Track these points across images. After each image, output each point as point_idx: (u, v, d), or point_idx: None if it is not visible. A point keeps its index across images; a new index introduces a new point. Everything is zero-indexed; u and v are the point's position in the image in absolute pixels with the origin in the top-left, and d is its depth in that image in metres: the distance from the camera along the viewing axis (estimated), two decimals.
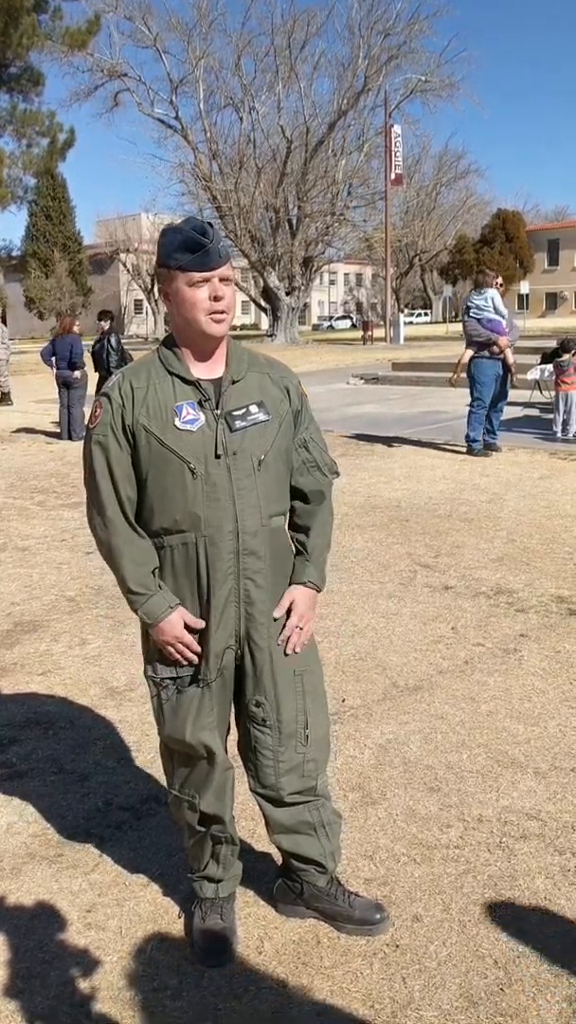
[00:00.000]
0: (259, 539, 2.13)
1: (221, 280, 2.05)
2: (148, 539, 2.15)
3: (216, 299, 2.03)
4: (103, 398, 2.13)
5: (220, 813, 2.26)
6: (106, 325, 12.72)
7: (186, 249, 2.01)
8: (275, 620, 2.22)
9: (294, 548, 2.32)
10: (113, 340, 12.48)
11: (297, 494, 2.28)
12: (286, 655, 2.23)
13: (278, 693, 2.21)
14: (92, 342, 12.97)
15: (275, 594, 2.20)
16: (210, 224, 2.07)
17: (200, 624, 2.13)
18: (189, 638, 2.13)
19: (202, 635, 2.13)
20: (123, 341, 12.95)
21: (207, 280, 2.03)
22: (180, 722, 2.18)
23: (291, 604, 2.24)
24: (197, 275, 2.02)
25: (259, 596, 2.16)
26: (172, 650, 2.14)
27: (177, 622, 2.12)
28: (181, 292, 2.05)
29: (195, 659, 2.15)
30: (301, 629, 2.25)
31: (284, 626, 2.23)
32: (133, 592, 2.12)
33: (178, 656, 2.15)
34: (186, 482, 2.06)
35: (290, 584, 2.27)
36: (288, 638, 2.23)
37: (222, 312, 2.05)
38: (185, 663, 2.16)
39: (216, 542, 2.09)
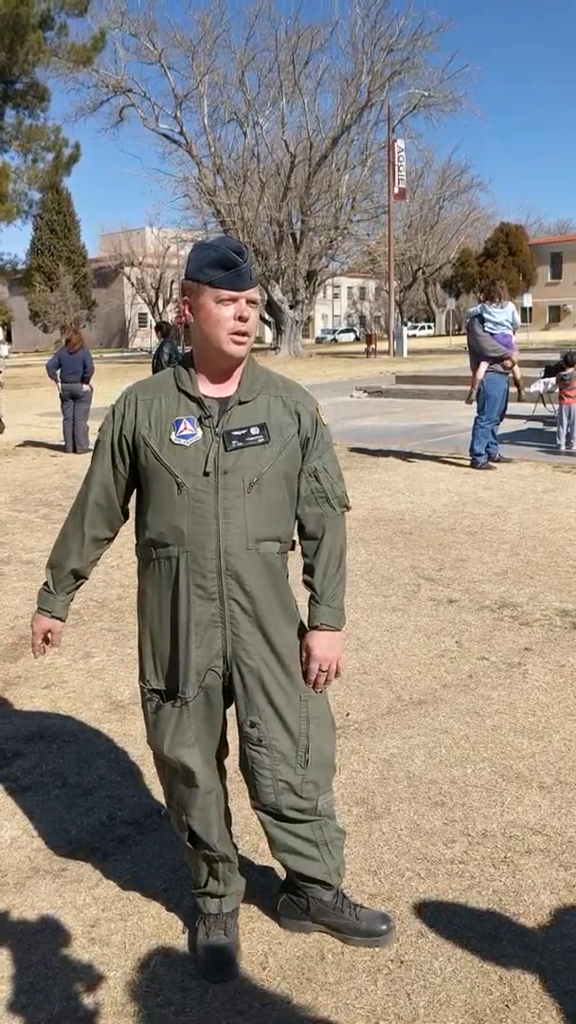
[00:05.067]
0: (243, 562, 2.10)
1: (248, 302, 2.06)
2: (94, 550, 2.28)
3: (241, 319, 2.04)
4: (112, 408, 2.19)
5: (206, 835, 2.25)
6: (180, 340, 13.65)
7: (220, 266, 2.01)
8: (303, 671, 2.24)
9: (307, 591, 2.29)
10: (167, 348, 12.75)
11: (302, 526, 2.24)
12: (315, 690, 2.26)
13: (274, 714, 2.19)
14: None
15: (266, 618, 2.16)
16: (245, 246, 2.09)
17: (54, 649, 2.38)
18: (37, 642, 2.31)
19: (180, 652, 2.13)
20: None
21: (235, 300, 2.04)
22: (160, 735, 2.20)
23: (308, 651, 2.23)
24: (226, 293, 2.02)
25: (244, 618, 2.14)
26: (32, 635, 2.33)
27: (45, 627, 2.30)
28: (206, 308, 2.05)
29: (36, 652, 2.33)
30: (324, 671, 2.24)
31: (307, 672, 2.24)
32: (49, 568, 2.31)
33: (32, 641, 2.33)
34: (173, 496, 2.07)
35: (308, 628, 2.26)
36: (315, 682, 2.25)
37: (244, 334, 2.05)
38: (161, 678, 2.19)
39: (198, 559, 2.08)
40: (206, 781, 2.22)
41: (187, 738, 2.18)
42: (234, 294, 2.03)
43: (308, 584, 2.27)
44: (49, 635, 2.30)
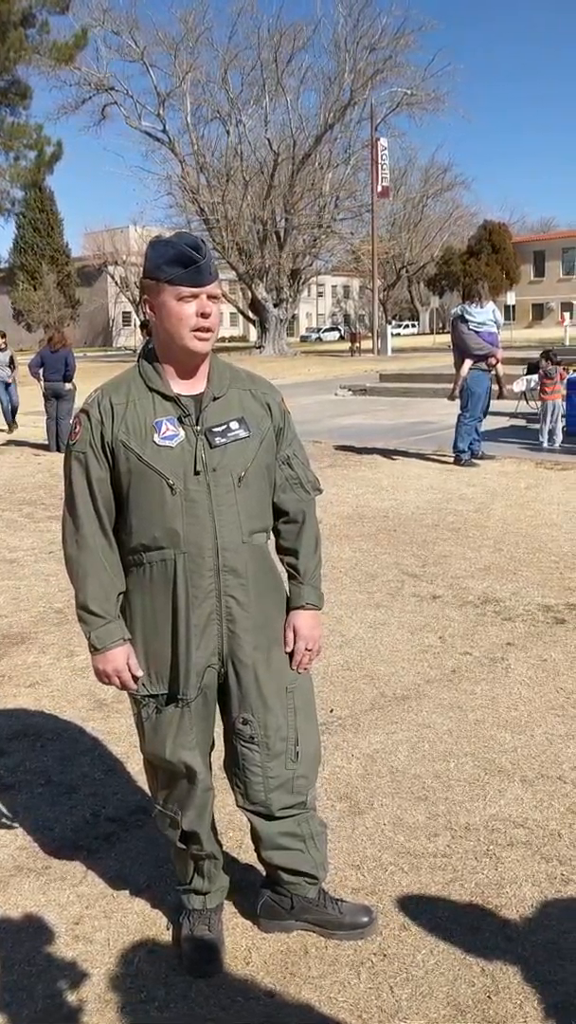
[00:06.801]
0: (240, 556, 2.12)
1: (209, 297, 2.04)
2: (119, 563, 2.14)
3: (203, 316, 2.03)
4: (82, 415, 2.12)
5: (199, 831, 2.26)
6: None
7: (178, 263, 2.00)
8: (287, 652, 2.25)
9: (286, 572, 2.31)
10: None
11: (280, 512, 2.26)
12: (294, 670, 2.26)
13: (267, 710, 2.20)
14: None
15: (259, 611, 2.18)
16: (203, 240, 2.08)
17: (139, 673, 2.14)
18: (128, 676, 2.13)
19: (181, 654, 2.12)
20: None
21: (195, 296, 2.02)
22: (160, 740, 2.18)
23: (295, 631, 2.26)
24: (186, 290, 2.01)
25: (241, 614, 2.15)
26: (106, 679, 2.15)
27: (123, 655, 2.12)
28: (167, 306, 2.03)
29: (131, 687, 2.15)
30: (310, 650, 2.27)
31: (294, 652, 2.25)
32: (93, 613, 2.11)
33: (111, 684, 2.16)
34: (165, 498, 2.05)
35: (289, 609, 2.28)
36: (300, 662, 2.26)
37: (207, 330, 2.04)
38: (160, 682, 2.16)
39: (195, 559, 2.08)
40: (205, 779, 2.23)
41: (189, 740, 2.18)
42: (195, 290, 2.01)
43: (291, 566, 2.31)
44: (130, 662, 2.13)
